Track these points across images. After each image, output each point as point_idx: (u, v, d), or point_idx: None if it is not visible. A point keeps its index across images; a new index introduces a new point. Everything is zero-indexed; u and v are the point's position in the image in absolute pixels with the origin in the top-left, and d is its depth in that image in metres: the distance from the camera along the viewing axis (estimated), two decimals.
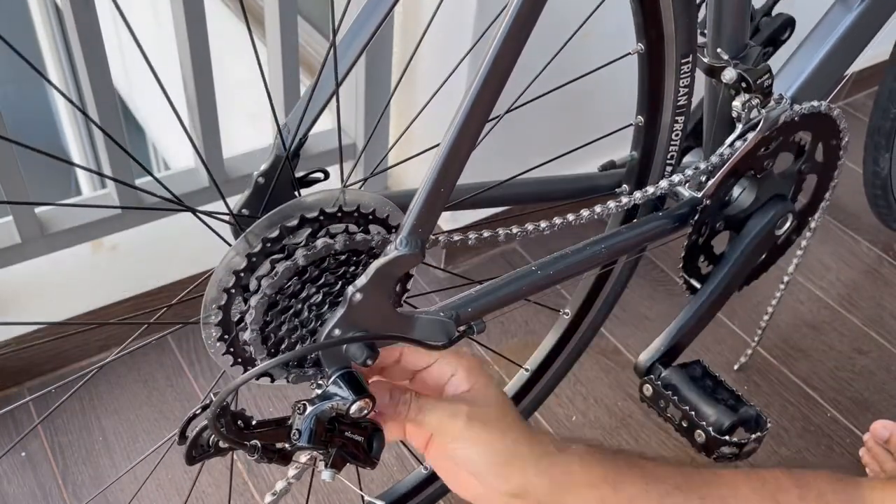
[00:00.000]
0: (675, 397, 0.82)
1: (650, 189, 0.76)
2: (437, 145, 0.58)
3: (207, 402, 0.57)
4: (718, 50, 0.76)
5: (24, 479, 1.14)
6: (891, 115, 1.32)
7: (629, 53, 0.74)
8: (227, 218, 0.63)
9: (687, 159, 0.90)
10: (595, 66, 0.78)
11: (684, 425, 0.80)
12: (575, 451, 0.60)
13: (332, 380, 0.60)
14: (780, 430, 1.27)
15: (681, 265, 0.86)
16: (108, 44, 1.09)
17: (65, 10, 1.05)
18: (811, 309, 1.47)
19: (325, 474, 0.62)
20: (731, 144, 0.78)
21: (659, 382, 0.83)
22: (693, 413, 0.80)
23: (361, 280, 0.59)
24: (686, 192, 0.81)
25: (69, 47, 1.27)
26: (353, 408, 0.59)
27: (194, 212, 0.62)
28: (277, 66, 1.23)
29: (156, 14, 2.74)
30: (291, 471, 0.67)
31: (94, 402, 1.24)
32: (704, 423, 0.78)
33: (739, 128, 0.78)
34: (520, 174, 0.78)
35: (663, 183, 0.76)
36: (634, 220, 0.82)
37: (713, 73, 0.77)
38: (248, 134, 2.22)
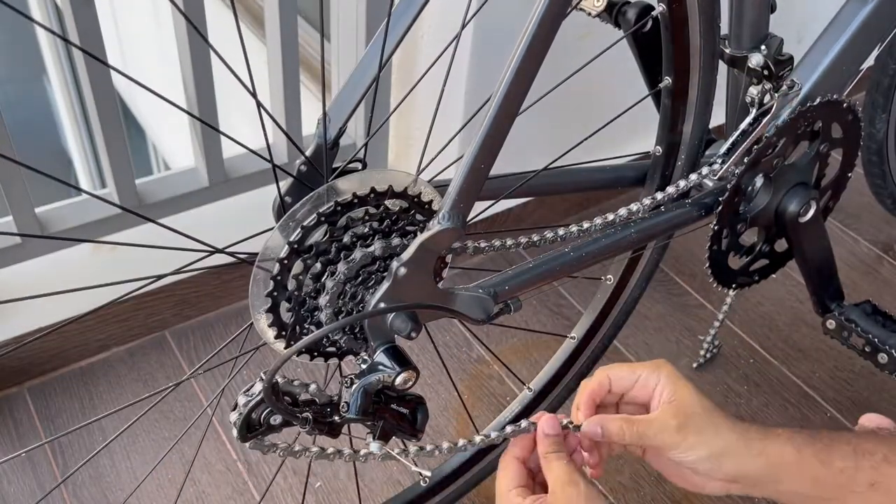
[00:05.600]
0: (858, 328, 0.96)
1: (670, 189, 0.78)
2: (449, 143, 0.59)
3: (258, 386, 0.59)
4: (740, 40, 0.77)
5: (24, 478, 1.14)
6: (889, 71, 1.25)
7: (652, 16, 0.74)
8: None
9: (709, 152, 0.91)
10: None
11: (867, 350, 0.95)
12: (783, 433, 0.65)
13: (377, 354, 0.62)
14: None
15: (707, 255, 0.87)
16: (108, 43, 1.09)
17: (65, 10, 1.05)
18: (811, 309, 1.46)
19: (374, 446, 0.64)
20: (745, 129, 0.79)
21: (842, 317, 0.97)
22: (876, 339, 0.94)
23: (406, 255, 0.61)
24: (710, 183, 0.82)
25: (69, 47, 1.27)
26: (399, 380, 0.61)
27: (220, 251, 0.64)
28: (277, 66, 1.23)
29: (156, 14, 2.74)
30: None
31: (95, 402, 1.24)
32: (887, 346, 0.93)
33: (753, 112, 0.79)
34: (553, 161, 0.80)
35: (685, 180, 0.79)
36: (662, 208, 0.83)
37: (735, 63, 0.78)
38: (249, 134, 2.22)
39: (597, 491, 0.62)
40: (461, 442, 0.68)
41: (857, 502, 0.65)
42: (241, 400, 0.61)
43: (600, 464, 0.69)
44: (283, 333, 0.64)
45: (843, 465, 0.64)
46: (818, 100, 0.81)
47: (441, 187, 0.64)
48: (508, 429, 0.66)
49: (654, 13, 0.74)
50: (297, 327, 0.64)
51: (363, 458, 0.64)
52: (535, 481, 0.67)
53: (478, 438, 0.68)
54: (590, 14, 0.84)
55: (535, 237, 0.71)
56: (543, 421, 0.66)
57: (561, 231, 0.71)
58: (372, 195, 0.61)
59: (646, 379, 0.67)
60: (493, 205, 0.81)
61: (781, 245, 0.93)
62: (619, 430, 0.65)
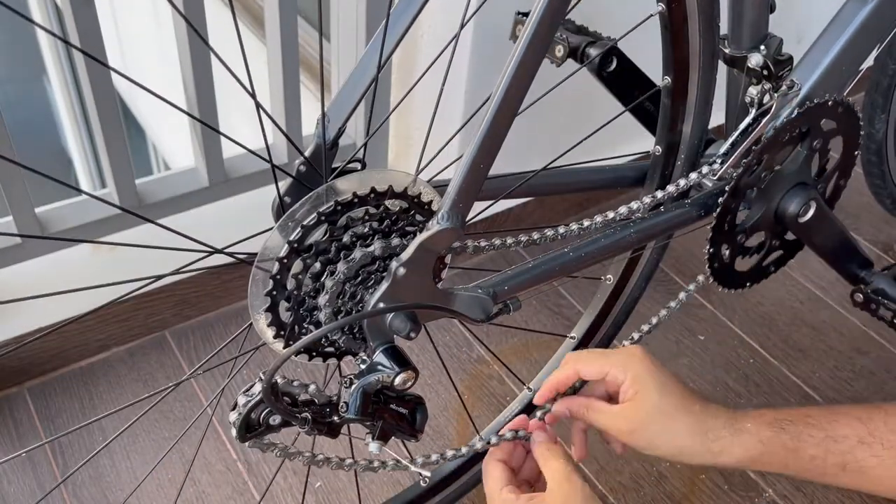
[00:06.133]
0: (885, 300, 0.92)
1: (670, 188, 0.79)
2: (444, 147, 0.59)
3: (258, 384, 0.60)
4: (740, 40, 0.77)
5: (24, 478, 1.14)
6: (889, 71, 1.24)
7: (651, 15, 0.75)
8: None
9: (709, 151, 0.91)
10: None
11: None
12: (752, 426, 0.68)
13: (376, 354, 0.63)
14: None
15: (707, 253, 0.86)
16: (108, 44, 1.09)
17: (65, 10, 1.05)
18: (811, 309, 1.48)
19: (373, 446, 0.65)
20: (745, 129, 0.79)
21: (869, 290, 0.93)
22: None
23: (405, 254, 0.61)
24: (710, 183, 0.83)
25: (69, 47, 1.27)
26: (398, 380, 0.61)
27: (219, 251, 0.64)
28: (277, 66, 1.23)
29: (156, 14, 2.74)
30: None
31: (95, 402, 1.24)
32: None
33: (752, 112, 0.79)
34: (553, 161, 0.80)
35: (685, 179, 0.80)
36: (661, 208, 0.83)
37: (735, 63, 0.78)
38: (249, 134, 2.22)
39: (590, 489, 0.66)
40: (450, 452, 0.73)
41: (829, 482, 0.69)
42: (241, 400, 0.61)
43: (582, 446, 0.75)
44: (283, 333, 0.64)
45: (814, 453, 0.68)
46: (818, 100, 0.81)
47: (440, 187, 0.64)
48: (494, 439, 0.72)
49: (653, 12, 0.74)
50: (296, 327, 0.64)
51: (363, 467, 0.65)
52: (519, 478, 0.72)
53: (464, 450, 0.73)
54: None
55: (536, 235, 0.71)
56: (534, 427, 0.72)
57: (561, 229, 0.72)
58: (372, 195, 0.62)
59: (613, 377, 0.71)
60: (492, 205, 0.82)
61: (781, 245, 0.93)
62: (582, 415, 0.71)
